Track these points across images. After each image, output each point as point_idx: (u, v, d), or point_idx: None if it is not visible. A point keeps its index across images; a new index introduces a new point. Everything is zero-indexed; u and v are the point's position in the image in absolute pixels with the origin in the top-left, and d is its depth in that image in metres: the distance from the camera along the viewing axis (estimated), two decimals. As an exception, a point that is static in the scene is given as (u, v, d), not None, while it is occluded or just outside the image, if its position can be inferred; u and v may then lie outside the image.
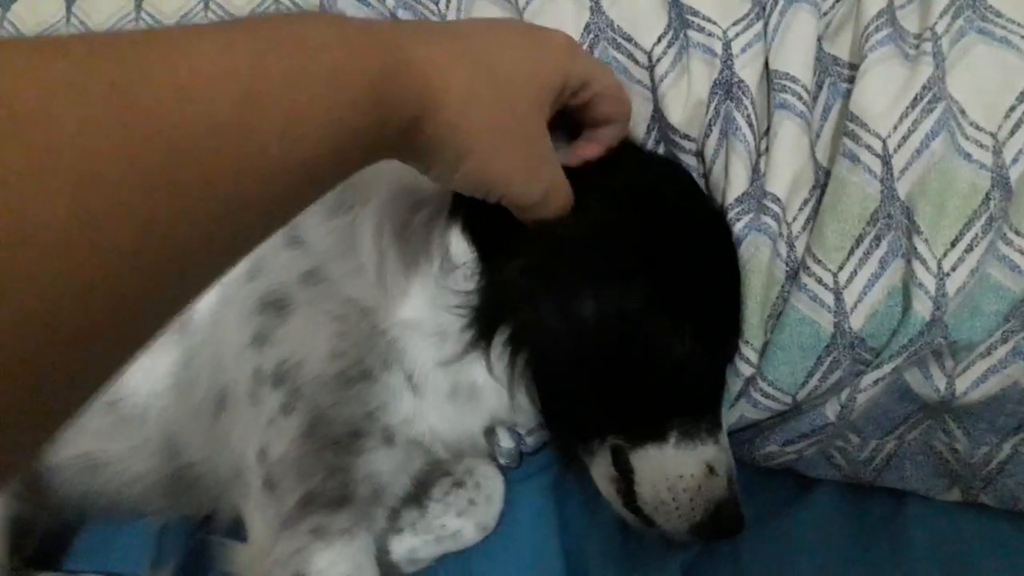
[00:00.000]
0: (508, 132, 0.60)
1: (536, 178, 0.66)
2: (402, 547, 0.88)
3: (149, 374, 0.84)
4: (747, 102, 0.81)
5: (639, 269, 0.74)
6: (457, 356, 0.77)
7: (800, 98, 0.81)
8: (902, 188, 0.76)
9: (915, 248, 0.75)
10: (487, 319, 0.76)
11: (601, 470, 0.81)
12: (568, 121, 0.74)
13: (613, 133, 0.76)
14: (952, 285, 0.74)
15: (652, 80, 0.85)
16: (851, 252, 0.78)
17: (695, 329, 0.76)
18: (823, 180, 0.82)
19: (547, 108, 0.65)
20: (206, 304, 0.81)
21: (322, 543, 0.76)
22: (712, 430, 0.80)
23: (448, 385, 0.81)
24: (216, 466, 0.85)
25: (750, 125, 0.81)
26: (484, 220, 0.75)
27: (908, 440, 0.84)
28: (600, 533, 0.88)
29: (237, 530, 0.85)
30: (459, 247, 0.77)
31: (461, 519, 0.89)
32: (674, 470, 0.77)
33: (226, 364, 0.81)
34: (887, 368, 0.76)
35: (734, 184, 0.81)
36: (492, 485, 0.92)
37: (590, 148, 0.76)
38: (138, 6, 1.13)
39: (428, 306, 0.78)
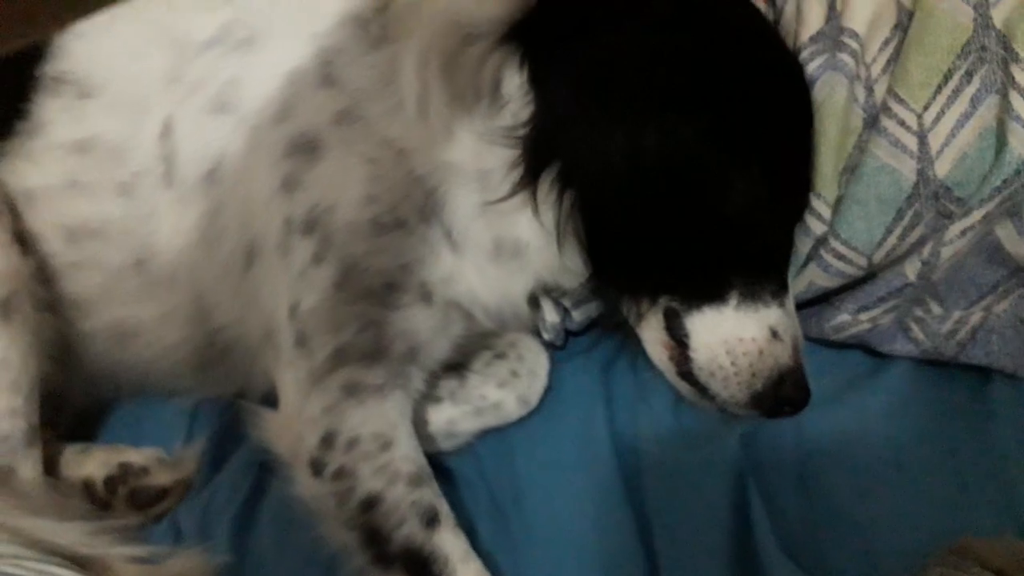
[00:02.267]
0: None
1: None
2: (440, 417, 0.83)
3: (177, 230, 0.80)
4: None
5: (704, 98, 0.67)
6: (502, 198, 0.71)
7: (883, -74, 0.73)
8: (999, 15, 0.69)
9: (1012, 78, 0.67)
10: (535, 151, 0.69)
11: (653, 335, 0.75)
12: None
13: None
14: (1056, 118, 0.67)
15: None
16: (939, 89, 0.70)
17: (762, 171, 0.69)
18: (906, 21, 0.74)
19: None
20: (234, 150, 0.77)
21: (354, 400, 0.72)
22: (777, 292, 0.73)
23: (490, 240, 0.75)
24: (247, 329, 0.81)
25: (826, -41, 0.74)
26: (541, 49, 0.70)
27: (996, 311, 0.76)
28: (650, 412, 0.82)
29: (270, 403, 0.82)
30: (512, 80, 0.71)
31: (502, 390, 0.84)
32: (734, 333, 0.71)
33: (255, 213, 0.76)
34: (977, 215, 0.69)
35: (808, 21, 0.74)
36: (536, 359, 0.86)
37: None
38: None
39: (473, 147, 0.72)
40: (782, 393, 0.71)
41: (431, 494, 0.70)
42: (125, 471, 0.86)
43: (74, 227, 0.83)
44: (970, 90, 0.69)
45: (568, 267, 0.75)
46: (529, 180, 0.70)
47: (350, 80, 0.74)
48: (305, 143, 0.74)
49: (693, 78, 0.67)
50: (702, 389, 0.73)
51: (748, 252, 0.71)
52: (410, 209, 0.73)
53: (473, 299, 0.77)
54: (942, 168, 0.70)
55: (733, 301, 0.71)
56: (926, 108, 0.71)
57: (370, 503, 0.69)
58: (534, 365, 0.86)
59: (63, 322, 0.85)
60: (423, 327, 0.75)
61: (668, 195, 0.68)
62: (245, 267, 0.78)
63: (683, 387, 0.74)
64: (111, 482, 0.85)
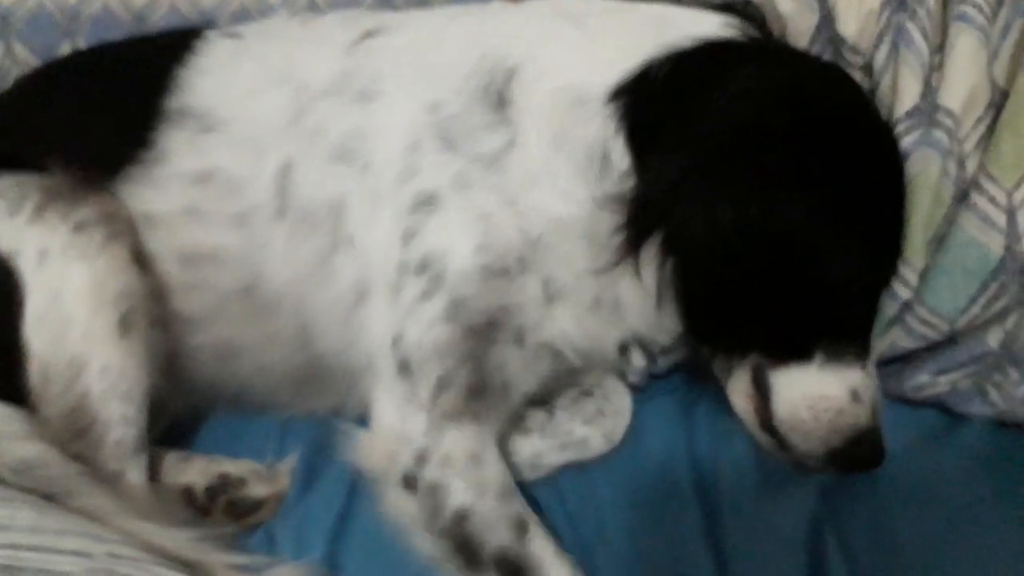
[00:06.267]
0: None
1: None
2: (527, 449, 0.87)
3: (287, 261, 0.85)
4: (922, 13, 0.78)
5: (806, 174, 0.70)
6: (607, 265, 0.75)
7: (980, 10, 0.77)
8: (1091, 102, 0.72)
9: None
10: (641, 220, 0.73)
11: (738, 386, 0.79)
12: None
13: None
14: None
15: (819, -12, 0.83)
16: None
17: (859, 243, 0.72)
18: (999, 100, 0.78)
19: None
20: (354, 199, 0.82)
21: (453, 423, 0.77)
22: (861, 355, 0.76)
23: (591, 296, 0.80)
24: (349, 357, 0.86)
25: (924, 37, 0.78)
26: (643, 116, 0.74)
27: (1073, 379, 0.79)
28: (730, 455, 0.86)
29: (362, 423, 0.86)
30: (616, 145, 0.75)
31: (588, 427, 0.88)
32: (816, 390, 0.74)
33: (372, 260, 0.81)
34: (1063, 294, 0.72)
35: (904, 97, 0.78)
36: (620, 399, 0.91)
37: None
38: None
39: (583, 205, 0.77)
40: (858, 452, 0.75)
41: (519, 505, 0.76)
42: (224, 481, 0.91)
43: (189, 252, 0.88)
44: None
45: (664, 324, 0.79)
46: (633, 245, 0.74)
47: (469, 146, 0.79)
48: (426, 199, 0.79)
49: (797, 157, 0.70)
50: (781, 441, 0.77)
51: (838, 316, 0.75)
52: (514, 260, 0.78)
53: (565, 341, 0.82)
54: (1031, 242, 0.74)
55: (818, 360, 0.75)
56: (1017, 187, 0.74)
57: (463, 515, 0.74)
58: (619, 405, 0.90)
59: (172, 337, 0.90)
60: (515, 365, 0.80)
61: (770, 266, 0.71)
62: (355, 303, 0.83)
63: (763, 438, 0.79)
64: (211, 491, 0.90)
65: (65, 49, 1.14)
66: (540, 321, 0.80)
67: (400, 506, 0.77)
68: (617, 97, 0.76)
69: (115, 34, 1.17)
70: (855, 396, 0.75)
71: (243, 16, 1.16)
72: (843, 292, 0.73)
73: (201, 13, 1.17)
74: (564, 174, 0.78)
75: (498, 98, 0.80)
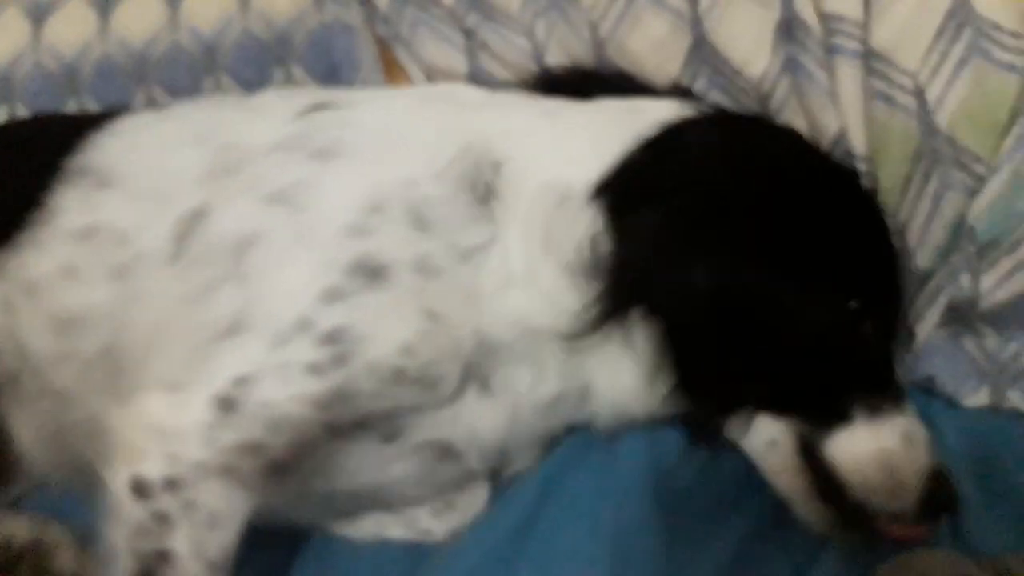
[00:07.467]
0: None
1: None
2: (371, 518, 0.84)
3: (161, 302, 0.77)
4: (812, 44, 0.84)
5: (783, 230, 0.72)
6: (584, 333, 0.72)
7: (853, 37, 0.83)
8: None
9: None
10: (621, 285, 0.71)
11: (780, 462, 0.75)
12: None
13: None
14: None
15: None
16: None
17: (858, 300, 0.74)
18: None
19: None
20: (274, 235, 0.74)
21: (223, 479, 0.68)
22: (897, 398, 0.76)
23: (552, 393, 0.77)
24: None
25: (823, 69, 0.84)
26: (628, 207, 0.73)
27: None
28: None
29: None
30: (606, 242, 0.73)
31: (435, 520, 0.84)
32: (874, 445, 0.73)
33: (267, 301, 0.72)
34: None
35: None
36: (476, 492, 0.85)
37: None
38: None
39: (567, 312, 0.73)
40: (941, 491, 0.73)
41: None
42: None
43: (61, 317, 0.82)
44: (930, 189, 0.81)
45: (648, 396, 0.76)
46: (619, 313, 0.72)
47: (445, 232, 0.74)
48: (372, 268, 0.72)
49: (780, 214, 0.72)
50: (854, 511, 0.73)
51: (857, 366, 0.74)
52: (444, 371, 0.74)
53: (471, 439, 0.78)
54: (923, 262, 0.83)
55: (861, 416, 0.73)
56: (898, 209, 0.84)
57: (166, 560, 0.66)
58: (473, 499, 0.85)
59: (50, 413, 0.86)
60: (356, 462, 0.77)
61: (766, 329, 0.72)
62: (224, 334, 0.72)
63: (823, 514, 0.74)
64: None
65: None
66: (439, 421, 0.76)
67: (120, 509, 0.67)
68: (601, 193, 0.74)
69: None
70: (910, 440, 0.74)
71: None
72: (854, 346, 0.74)
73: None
74: (549, 278, 0.75)
75: (484, 192, 0.76)
